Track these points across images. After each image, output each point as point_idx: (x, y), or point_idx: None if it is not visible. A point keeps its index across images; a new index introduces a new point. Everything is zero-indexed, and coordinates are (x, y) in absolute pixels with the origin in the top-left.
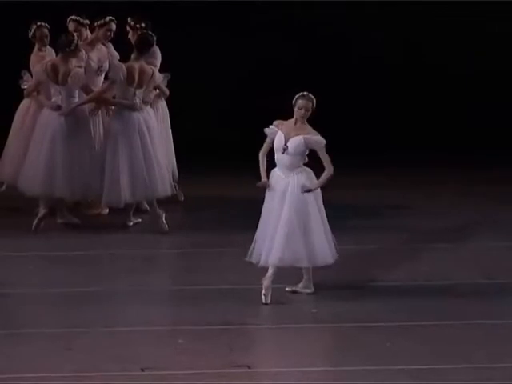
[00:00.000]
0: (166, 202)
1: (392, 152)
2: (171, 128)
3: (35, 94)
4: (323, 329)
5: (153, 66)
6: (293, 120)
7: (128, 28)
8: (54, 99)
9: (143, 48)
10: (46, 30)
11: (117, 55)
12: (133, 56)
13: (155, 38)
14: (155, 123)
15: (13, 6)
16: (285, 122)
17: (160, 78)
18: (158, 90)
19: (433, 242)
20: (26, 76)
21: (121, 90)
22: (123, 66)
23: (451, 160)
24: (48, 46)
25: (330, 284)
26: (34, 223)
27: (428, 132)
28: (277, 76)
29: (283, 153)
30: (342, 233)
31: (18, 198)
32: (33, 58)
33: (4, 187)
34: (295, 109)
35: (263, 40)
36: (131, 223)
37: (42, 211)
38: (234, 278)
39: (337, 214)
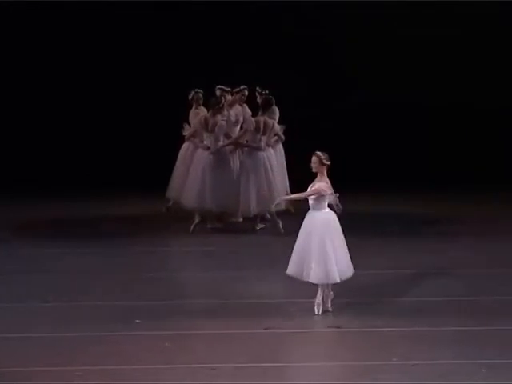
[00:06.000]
0: (282, 213)
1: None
2: None
3: (192, 138)
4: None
5: (273, 119)
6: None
7: (256, 93)
8: (205, 142)
9: (266, 107)
10: (200, 95)
11: (249, 112)
12: (259, 113)
13: (274, 100)
14: (275, 160)
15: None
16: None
17: (278, 128)
18: (276, 137)
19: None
20: (186, 126)
21: (251, 136)
22: (253, 120)
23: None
24: (201, 106)
25: None
26: (191, 227)
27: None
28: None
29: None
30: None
31: (180, 210)
32: (191, 113)
33: (171, 203)
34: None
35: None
36: (258, 227)
37: (196, 219)
38: None
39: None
